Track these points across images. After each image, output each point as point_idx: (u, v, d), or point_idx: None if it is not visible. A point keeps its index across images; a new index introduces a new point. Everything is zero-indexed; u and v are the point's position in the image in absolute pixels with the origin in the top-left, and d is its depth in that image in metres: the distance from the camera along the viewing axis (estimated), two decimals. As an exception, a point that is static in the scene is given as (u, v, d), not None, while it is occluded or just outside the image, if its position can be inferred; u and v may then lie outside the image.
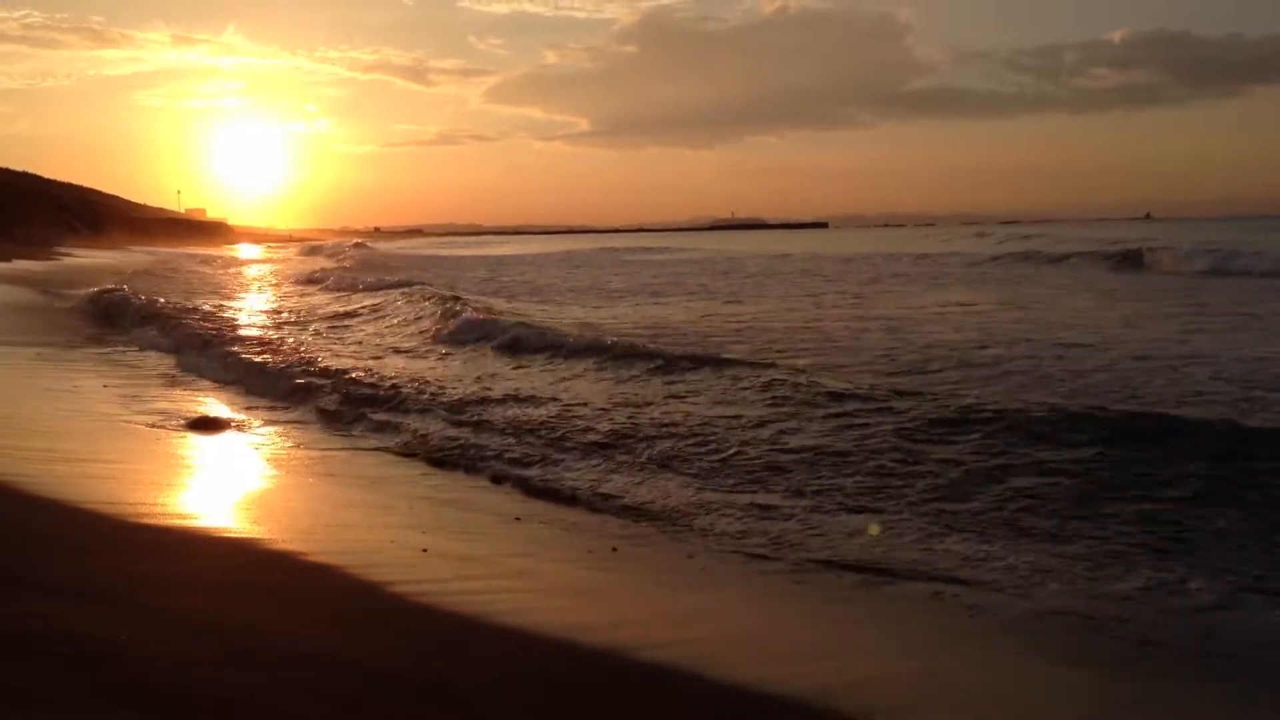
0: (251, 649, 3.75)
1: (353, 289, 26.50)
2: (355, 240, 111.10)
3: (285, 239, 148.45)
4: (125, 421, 9.33)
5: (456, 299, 19.22)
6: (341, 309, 21.40)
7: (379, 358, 13.67)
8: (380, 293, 24.02)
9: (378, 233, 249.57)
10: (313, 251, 77.16)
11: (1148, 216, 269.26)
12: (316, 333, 17.25)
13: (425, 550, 5.33)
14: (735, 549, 5.59)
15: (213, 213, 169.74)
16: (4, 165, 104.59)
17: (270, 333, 16.64)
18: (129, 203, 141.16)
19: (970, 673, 4.02)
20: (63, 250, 56.15)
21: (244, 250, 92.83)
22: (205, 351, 13.65)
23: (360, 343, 15.69)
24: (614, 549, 5.64)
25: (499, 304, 22.68)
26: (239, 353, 13.35)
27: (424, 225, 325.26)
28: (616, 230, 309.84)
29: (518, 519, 6.29)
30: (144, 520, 5.65)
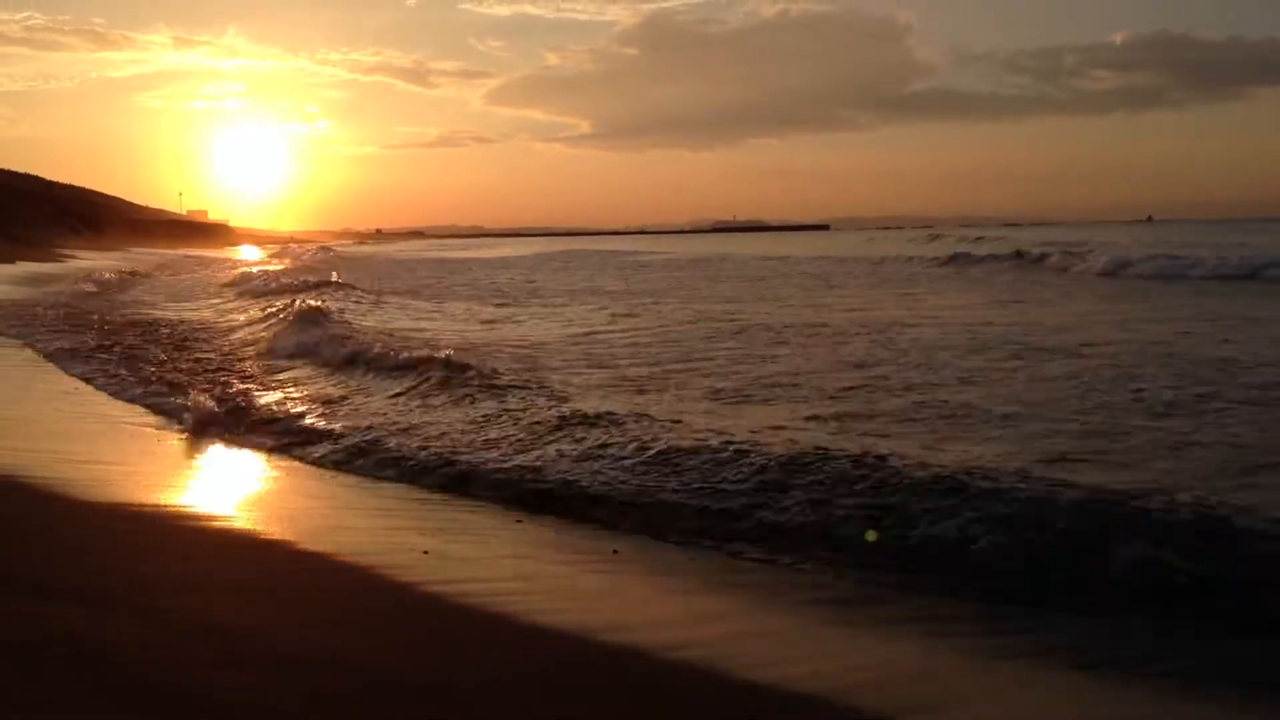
0: (252, 650, 3.75)
1: (255, 296, 25.25)
2: (321, 244, 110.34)
3: (287, 241, 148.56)
4: (128, 423, 9.34)
5: (318, 310, 17.48)
6: (237, 318, 20.03)
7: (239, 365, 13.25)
8: (270, 300, 22.51)
9: (379, 234, 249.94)
10: (280, 255, 77.00)
11: (1149, 219, 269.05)
12: (202, 338, 16.41)
13: (426, 552, 5.33)
14: (736, 552, 5.58)
15: (214, 214, 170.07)
16: (6, 167, 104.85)
17: (148, 339, 15.84)
18: (131, 204, 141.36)
19: (974, 675, 4.02)
20: (66, 252, 56.21)
21: (238, 252, 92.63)
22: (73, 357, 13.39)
23: (229, 352, 14.72)
24: (615, 550, 5.64)
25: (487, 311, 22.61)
26: (104, 359, 13.21)
27: (426, 227, 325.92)
28: (618, 233, 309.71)
29: (519, 521, 6.29)
30: (144, 521, 5.65)
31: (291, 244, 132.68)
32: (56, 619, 3.83)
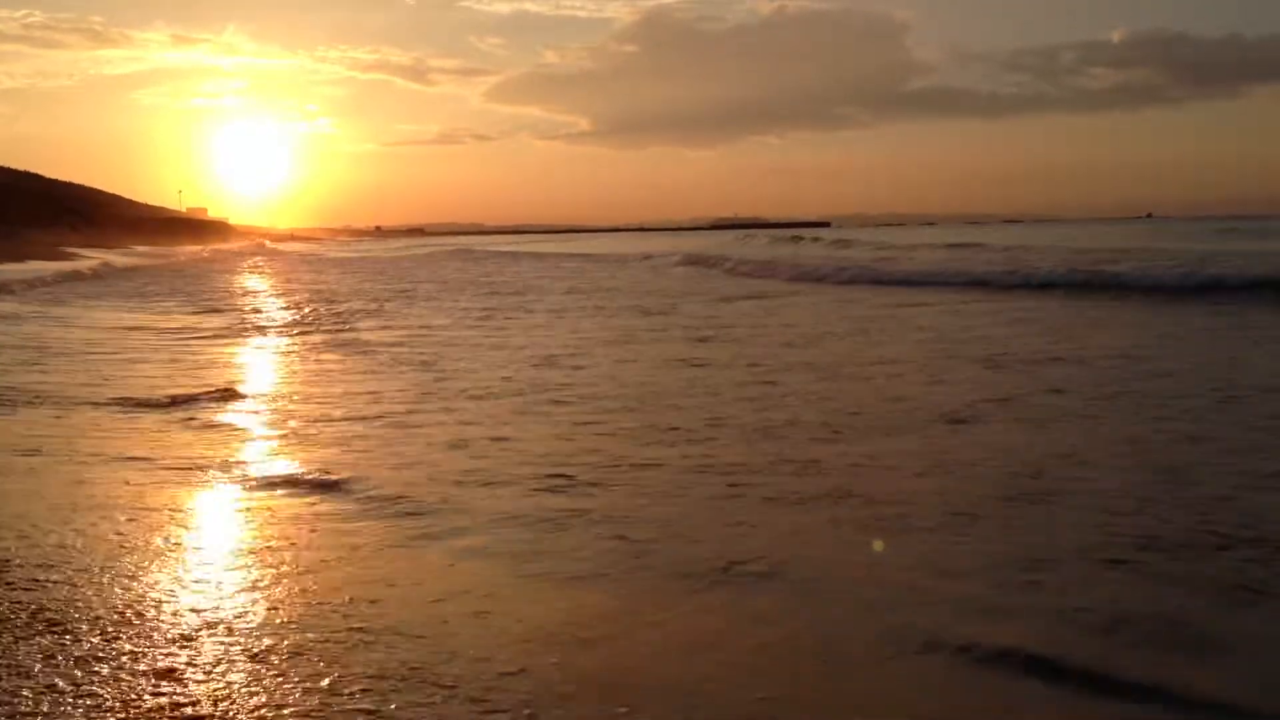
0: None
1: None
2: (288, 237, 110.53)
3: (286, 238, 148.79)
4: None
5: None
6: None
7: None
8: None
9: (379, 231, 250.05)
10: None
11: (1149, 216, 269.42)
12: None
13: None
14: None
15: (214, 212, 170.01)
16: (6, 165, 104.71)
17: None
18: (130, 202, 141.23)
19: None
20: (70, 250, 56.10)
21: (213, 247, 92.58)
22: None
23: None
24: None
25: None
26: None
27: (426, 224, 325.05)
28: (617, 229, 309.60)
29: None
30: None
31: (292, 238, 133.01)
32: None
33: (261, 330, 16.28)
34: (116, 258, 51.96)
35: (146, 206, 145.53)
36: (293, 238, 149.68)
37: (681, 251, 46.51)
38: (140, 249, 73.70)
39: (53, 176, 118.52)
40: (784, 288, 24.67)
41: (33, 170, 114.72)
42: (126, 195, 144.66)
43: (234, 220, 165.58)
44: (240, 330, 16.19)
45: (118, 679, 3.29)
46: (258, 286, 31.02)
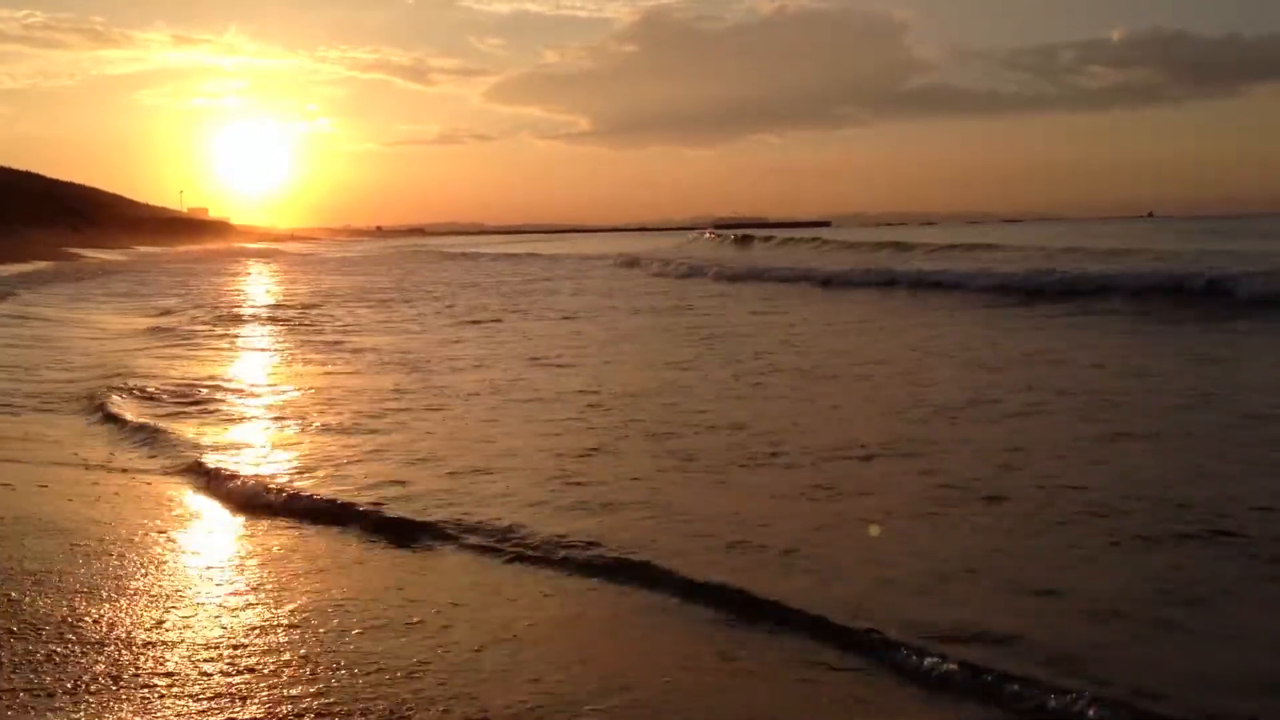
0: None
1: None
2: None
3: (286, 238, 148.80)
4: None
5: None
6: None
7: None
8: None
9: (380, 231, 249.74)
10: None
11: (1149, 215, 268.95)
12: None
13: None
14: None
15: (215, 212, 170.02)
16: (7, 165, 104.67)
17: None
18: (131, 202, 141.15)
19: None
20: (73, 250, 56.11)
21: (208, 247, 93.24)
22: None
23: None
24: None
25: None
26: None
27: (426, 224, 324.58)
28: (617, 229, 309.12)
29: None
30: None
31: (292, 239, 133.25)
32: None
33: (243, 328, 16.44)
34: (117, 256, 52.02)
35: (147, 207, 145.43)
36: (293, 238, 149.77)
37: (627, 254, 46.58)
38: (141, 249, 73.84)
39: (54, 177, 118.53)
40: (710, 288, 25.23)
41: (34, 170, 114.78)
42: (127, 195, 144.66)
43: (235, 220, 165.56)
44: (224, 329, 16.28)
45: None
46: (253, 285, 31.15)
